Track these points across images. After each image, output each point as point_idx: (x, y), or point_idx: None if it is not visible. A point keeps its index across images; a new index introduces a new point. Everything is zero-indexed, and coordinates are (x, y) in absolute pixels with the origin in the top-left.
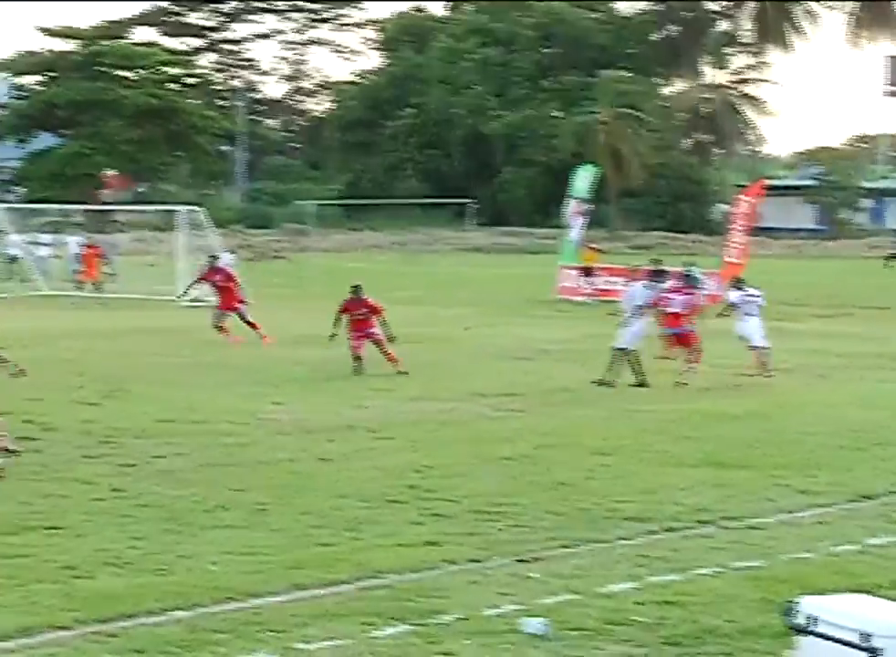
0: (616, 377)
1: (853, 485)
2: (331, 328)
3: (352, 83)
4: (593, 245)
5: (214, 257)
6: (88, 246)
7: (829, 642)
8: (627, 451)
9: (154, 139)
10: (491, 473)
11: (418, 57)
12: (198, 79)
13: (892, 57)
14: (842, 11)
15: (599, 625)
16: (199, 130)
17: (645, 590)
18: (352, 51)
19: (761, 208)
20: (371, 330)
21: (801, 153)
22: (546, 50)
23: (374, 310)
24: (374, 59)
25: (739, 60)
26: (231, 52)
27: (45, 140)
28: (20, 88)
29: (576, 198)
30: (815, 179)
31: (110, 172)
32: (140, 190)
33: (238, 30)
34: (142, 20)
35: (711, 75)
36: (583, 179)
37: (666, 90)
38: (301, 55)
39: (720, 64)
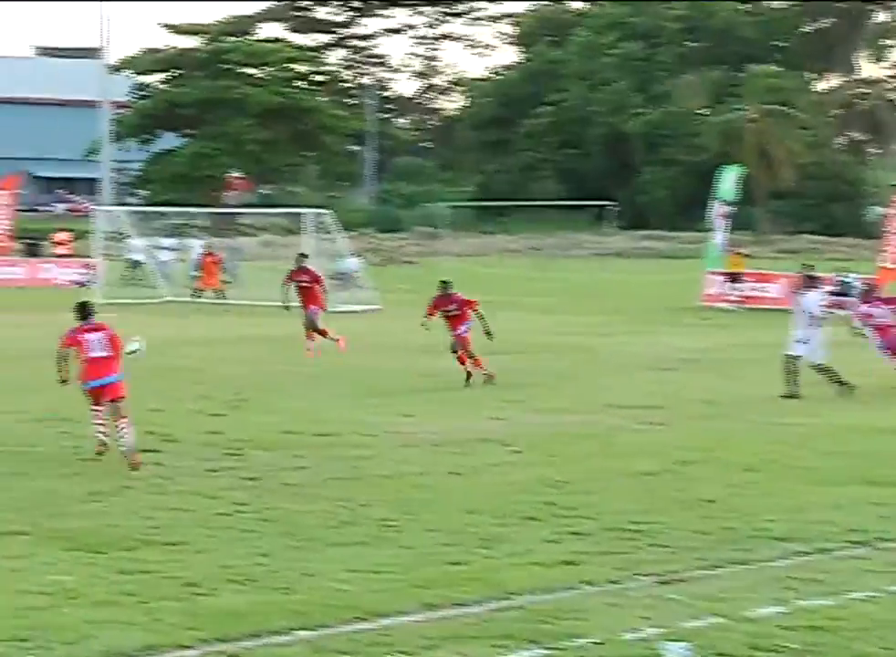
0: (798, 388)
1: None
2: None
3: (486, 80)
4: (740, 250)
5: (303, 256)
6: (207, 254)
7: None
8: (774, 467)
9: (281, 139)
10: (630, 489)
11: (555, 52)
12: (326, 77)
13: None
14: None
15: (745, 651)
16: (327, 130)
17: (793, 615)
18: (487, 46)
19: None
20: (460, 329)
21: None
22: (689, 44)
23: (466, 304)
24: (509, 55)
25: None
26: (360, 48)
27: (168, 140)
28: (143, 86)
29: (720, 200)
30: None
31: (235, 174)
32: (265, 192)
33: (368, 25)
34: (269, 16)
35: (867, 69)
36: (728, 180)
37: (818, 86)
38: (433, 50)
39: (877, 57)
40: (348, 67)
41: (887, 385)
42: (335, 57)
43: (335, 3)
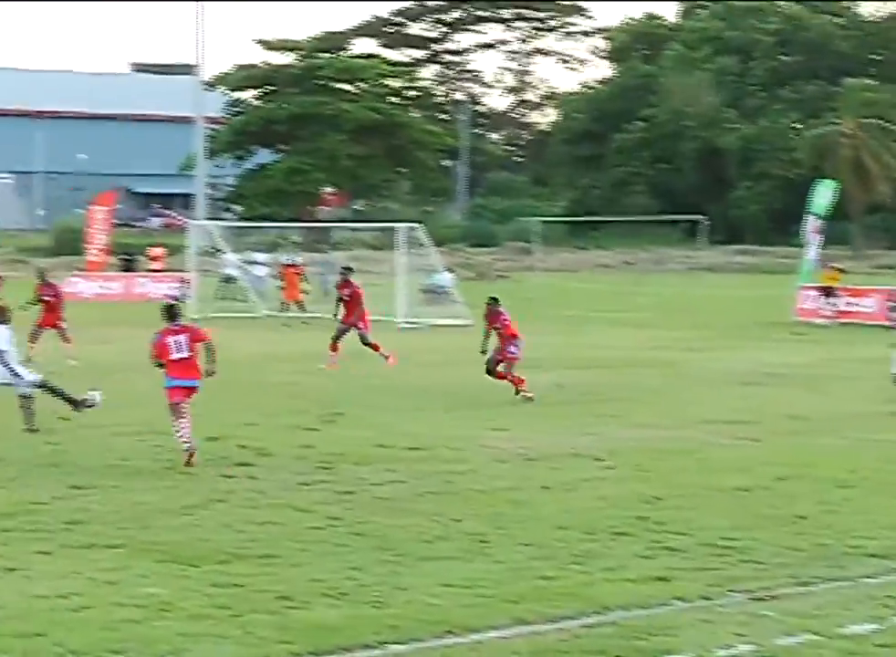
0: None
1: None
2: (481, 344)
3: (578, 94)
4: (835, 265)
5: (348, 270)
6: (290, 266)
7: None
8: (870, 483)
9: (375, 154)
10: (723, 504)
11: (648, 67)
12: (419, 92)
13: None
14: None
15: None
16: (420, 146)
17: (889, 632)
18: (579, 61)
19: None
20: (508, 348)
21: None
22: (783, 58)
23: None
24: (602, 69)
25: None
26: (453, 64)
27: (262, 156)
28: (237, 102)
29: (814, 215)
30: None
31: (329, 190)
32: (358, 207)
33: (461, 41)
34: (362, 32)
35: None
36: (823, 194)
37: None
38: (526, 65)
39: None
40: (440, 83)
41: None
42: (428, 72)
43: (428, 19)
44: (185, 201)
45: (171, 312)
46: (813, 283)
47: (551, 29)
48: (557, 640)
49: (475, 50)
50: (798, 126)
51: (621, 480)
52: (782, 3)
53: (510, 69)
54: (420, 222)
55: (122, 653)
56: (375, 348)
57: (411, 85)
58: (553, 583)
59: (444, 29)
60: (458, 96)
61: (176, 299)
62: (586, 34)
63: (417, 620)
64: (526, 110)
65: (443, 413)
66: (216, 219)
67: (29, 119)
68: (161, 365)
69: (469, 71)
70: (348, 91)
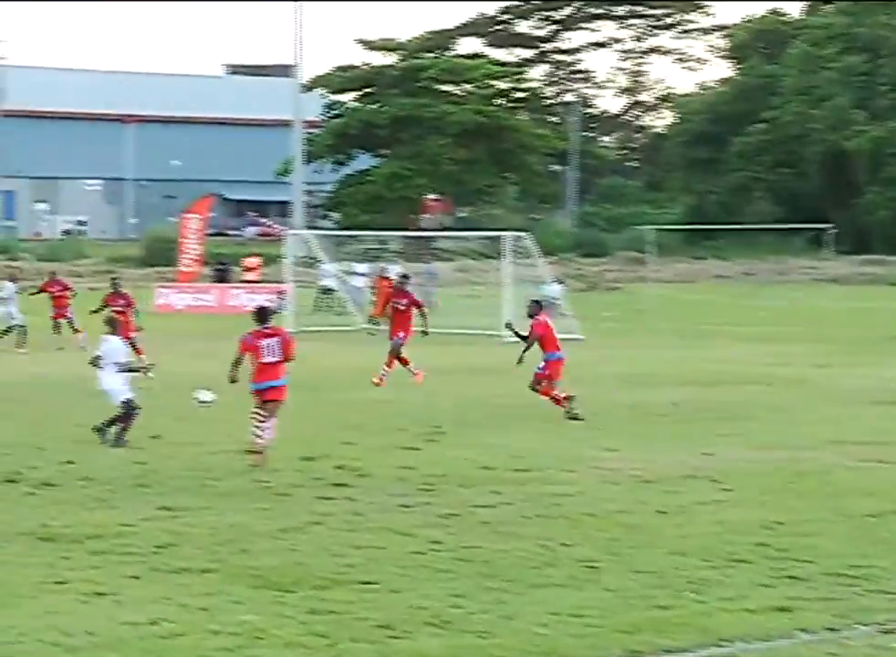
0: None
1: None
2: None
3: (696, 95)
4: None
5: (405, 278)
6: (382, 278)
7: None
8: None
9: (480, 159)
10: (850, 531)
11: (770, 66)
12: (527, 93)
13: None
14: None
15: None
16: (529, 149)
17: None
18: (697, 60)
19: None
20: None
21: None
22: None
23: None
24: (721, 69)
25: None
26: (563, 63)
27: (361, 161)
28: (336, 105)
29: None
30: None
31: (432, 196)
32: (462, 215)
33: (571, 39)
34: (467, 30)
35: None
36: None
37: None
38: (640, 65)
39: None
40: (549, 84)
41: None
42: (536, 72)
43: (536, 17)
44: (281, 208)
45: (262, 314)
46: None
47: (667, 27)
48: None
49: (587, 49)
50: None
51: (740, 504)
52: None
53: (623, 69)
54: (527, 230)
55: None
56: (405, 362)
57: (519, 86)
58: (668, 613)
59: (554, 27)
60: (568, 97)
61: (273, 311)
62: (704, 31)
63: (524, 650)
64: (640, 112)
65: (551, 432)
66: (314, 227)
67: (120, 124)
68: (238, 362)
69: (580, 71)
70: (452, 93)
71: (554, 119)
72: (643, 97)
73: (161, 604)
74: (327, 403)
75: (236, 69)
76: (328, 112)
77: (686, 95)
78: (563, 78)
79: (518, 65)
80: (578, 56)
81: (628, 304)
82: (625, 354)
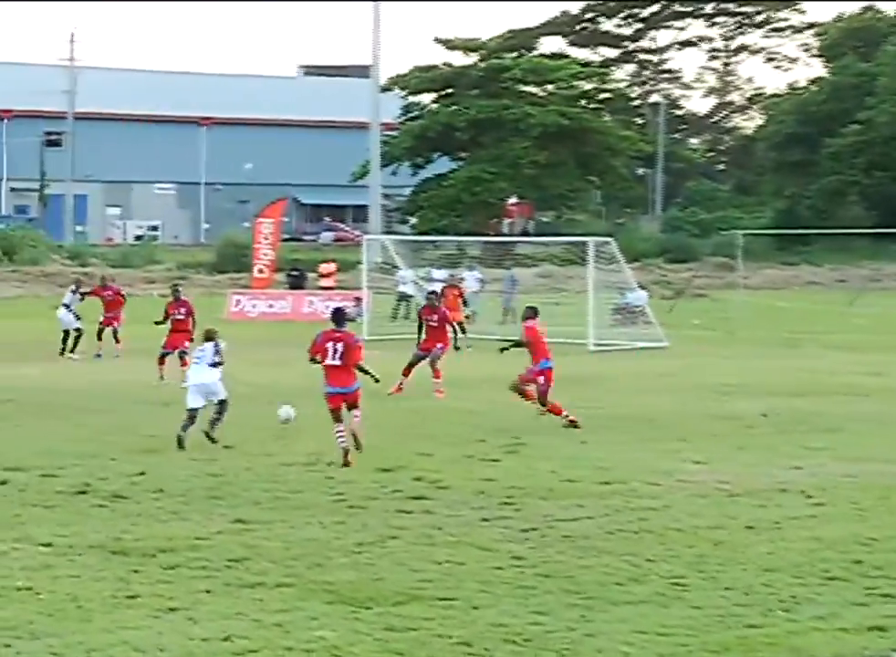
0: None
1: None
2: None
3: (787, 96)
4: None
5: (434, 294)
6: (450, 287)
7: None
8: None
9: (562, 162)
10: None
11: (865, 65)
12: (612, 94)
13: None
14: None
15: None
16: (613, 152)
17: None
18: (788, 59)
19: None
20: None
21: None
22: None
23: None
24: (813, 68)
25: None
26: (649, 63)
27: (440, 164)
28: (414, 106)
29: None
30: None
31: (513, 201)
32: (544, 219)
33: (657, 38)
34: (550, 29)
35: None
36: None
37: None
38: (729, 64)
39: None
40: (635, 84)
41: None
42: (621, 72)
43: (622, 15)
44: (356, 213)
45: (337, 316)
46: None
47: (757, 25)
48: None
49: (674, 48)
50: None
51: (834, 519)
52: None
53: (712, 69)
54: (611, 235)
55: None
56: (437, 373)
57: (604, 87)
58: (758, 632)
59: (640, 26)
60: (654, 98)
61: (349, 319)
62: (795, 30)
63: None
64: (730, 113)
65: (636, 444)
66: (390, 232)
67: (192, 126)
68: (315, 361)
69: (667, 71)
70: (534, 94)
71: (639, 120)
72: (732, 97)
73: (234, 620)
74: (403, 412)
75: (311, 70)
76: (405, 114)
77: (776, 95)
78: (649, 78)
79: (603, 65)
80: (665, 55)
81: (715, 311)
82: (712, 363)
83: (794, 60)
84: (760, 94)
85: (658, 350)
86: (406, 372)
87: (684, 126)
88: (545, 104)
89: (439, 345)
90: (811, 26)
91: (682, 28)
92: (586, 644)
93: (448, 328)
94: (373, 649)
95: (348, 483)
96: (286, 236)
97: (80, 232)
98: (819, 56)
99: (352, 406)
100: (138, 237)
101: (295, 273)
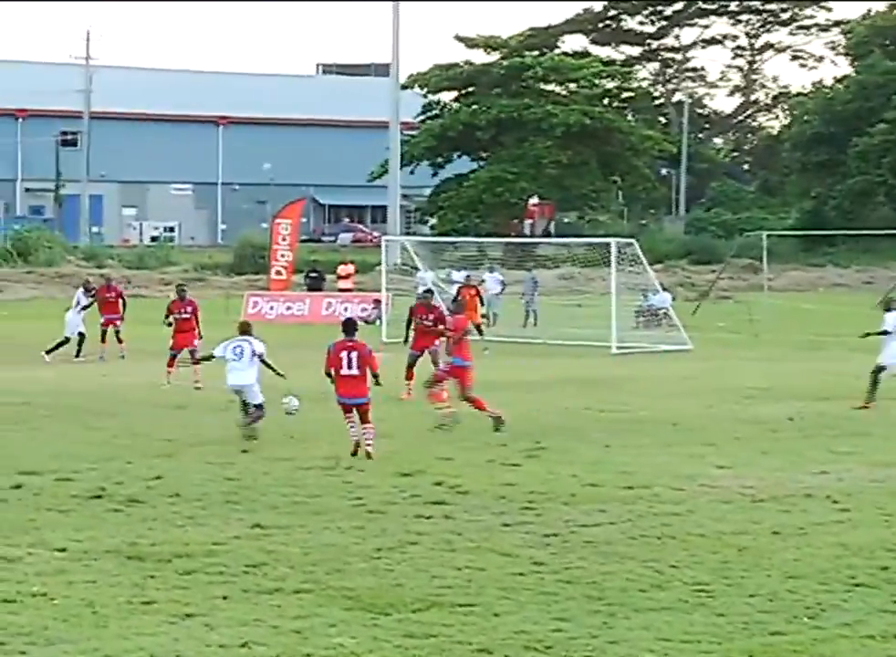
0: None
1: None
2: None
3: (813, 94)
4: None
5: (430, 293)
6: (466, 287)
7: None
8: None
9: (585, 162)
10: None
11: (892, 63)
12: (635, 93)
13: None
14: None
15: None
16: (636, 152)
17: None
18: (814, 58)
19: None
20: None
21: None
22: None
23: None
24: (840, 67)
25: None
26: (673, 61)
27: (459, 164)
28: (434, 105)
29: None
30: None
31: (534, 201)
32: (566, 220)
33: (681, 36)
34: (572, 27)
35: None
36: None
37: None
38: (754, 63)
39: None
40: (658, 83)
41: None
42: (644, 71)
43: (645, 12)
44: (374, 213)
45: (347, 326)
46: None
47: (783, 23)
48: None
49: (698, 46)
50: None
51: (861, 525)
52: None
53: (737, 67)
54: (634, 236)
55: None
56: (410, 375)
57: (627, 85)
58: (783, 639)
59: (663, 23)
60: (678, 97)
61: (366, 322)
62: (821, 28)
63: None
64: (754, 113)
65: (659, 448)
66: (411, 233)
67: (209, 126)
68: (329, 375)
69: (691, 70)
70: (556, 93)
71: (663, 119)
72: (758, 96)
73: (252, 626)
74: (422, 416)
75: (330, 69)
76: (425, 113)
77: (802, 94)
78: (672, 77)
79: (626, 63)
80: (689, 53)
81: (740, 314)
82: (737, 366)
83: (820, 59)
84: (785, 93)
85: (681, 353)
86: (409, 376)
87: (708, 125)
88: (567, 103)
89: (436, 342)
90: (837, 23)
91: (706, 26)
92: (608, 652)
93: (441, 328)
94: (393, 655)
95: (367, 487)
96: (304, 237)
97: (96, 233)
98: (846, 54)
99: (363, 419)
100: (154, 238)
101: (313, 274)
